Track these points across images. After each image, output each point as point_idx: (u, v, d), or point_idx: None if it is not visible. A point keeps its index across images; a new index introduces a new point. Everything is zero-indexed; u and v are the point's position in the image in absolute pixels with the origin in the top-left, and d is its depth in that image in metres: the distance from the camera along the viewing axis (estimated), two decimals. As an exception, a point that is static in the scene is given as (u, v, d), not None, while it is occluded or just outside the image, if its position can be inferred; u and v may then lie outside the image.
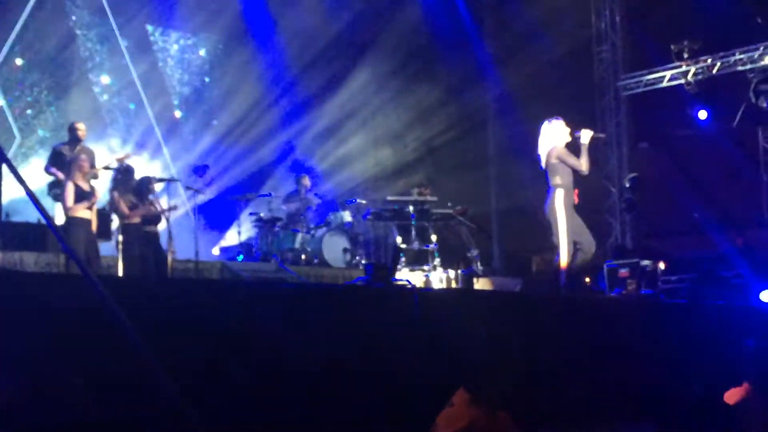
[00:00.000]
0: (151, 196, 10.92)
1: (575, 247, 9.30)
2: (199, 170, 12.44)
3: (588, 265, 9.69)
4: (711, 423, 3.93)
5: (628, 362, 7.93)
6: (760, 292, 12.93)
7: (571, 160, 9.35)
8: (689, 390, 3.95)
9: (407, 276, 11.37)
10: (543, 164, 9.49)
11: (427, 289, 10.32)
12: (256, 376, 5.83)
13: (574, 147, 9.55)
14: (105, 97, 15.55)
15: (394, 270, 10.23)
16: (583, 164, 9.37)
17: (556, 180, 9.33)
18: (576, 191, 9.54)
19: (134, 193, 10.72)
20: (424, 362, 6.42)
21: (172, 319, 5.71)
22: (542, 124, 9.56)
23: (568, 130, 9.52)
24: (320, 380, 6.02)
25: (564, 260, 9.21)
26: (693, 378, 4.23)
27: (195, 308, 5.92)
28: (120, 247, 10.54)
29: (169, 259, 10.43)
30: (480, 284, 12.54)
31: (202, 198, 12.90)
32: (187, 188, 11.82)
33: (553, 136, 9.48)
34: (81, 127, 11.60)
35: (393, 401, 6.26)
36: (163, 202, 11.25)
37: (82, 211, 10.02)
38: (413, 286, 10.15)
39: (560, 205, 9.29)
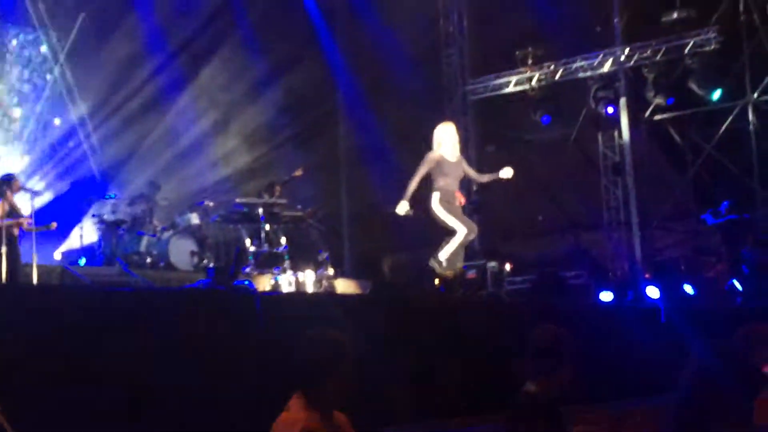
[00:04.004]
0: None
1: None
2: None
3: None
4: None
5: (467, 361, 8.08)
6: (600, 292, 13.39)
7: (422, 169, 9.61)
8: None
9: (256, 279, 11.24)
10: None
11: (268, 293, 10.24)
12: (91, 382, 5.66)
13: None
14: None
15: (236, 273, 10.10)
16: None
17: (434, 183, 9.63)
18: (458, 193, 9.86)
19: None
20: (262, 366, 6.36)
21: (5, 326, 5.51)
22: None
23: (450, 134, 9.79)
24: (151, 386, 5.88)
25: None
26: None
27: (32, 314, 5.72)
28: None
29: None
30: (338, 285, 12.56)
31: (41, 200, 12.41)
32: (25, 189, 11.35)
33: (435, 141, 9.78)
34: None
35: (229, 407, 6.17)
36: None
37: None
38: (254, 289, 10.05)
39: (437, 206, 9.71)
